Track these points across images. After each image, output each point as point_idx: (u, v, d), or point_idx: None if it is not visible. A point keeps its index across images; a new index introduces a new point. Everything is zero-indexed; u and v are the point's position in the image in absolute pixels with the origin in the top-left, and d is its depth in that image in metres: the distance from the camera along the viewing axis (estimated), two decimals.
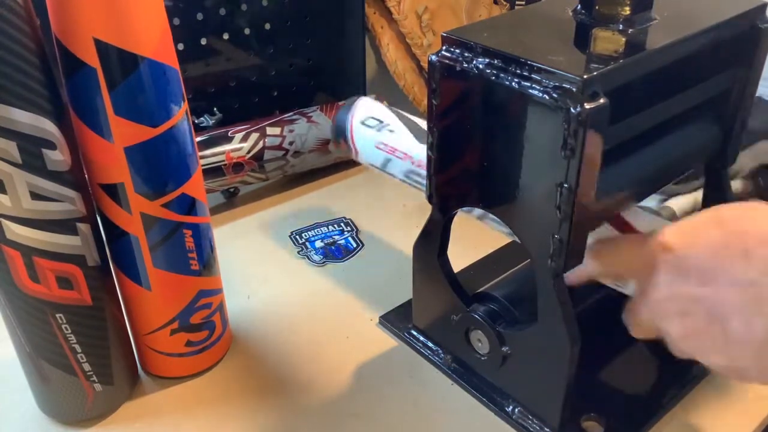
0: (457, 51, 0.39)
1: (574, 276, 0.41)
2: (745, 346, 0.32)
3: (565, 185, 0.35)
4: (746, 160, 0.55)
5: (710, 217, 0.34)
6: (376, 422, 0.46)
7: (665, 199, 0.54)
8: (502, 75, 0.37)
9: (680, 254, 0.34)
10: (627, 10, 0.39)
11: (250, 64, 0.73)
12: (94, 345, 0.43)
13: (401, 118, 0.53)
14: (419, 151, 0.49)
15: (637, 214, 0.43)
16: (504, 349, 0.44)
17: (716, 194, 0.49)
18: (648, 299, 0.36)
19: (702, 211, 0.35)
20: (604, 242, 0.41)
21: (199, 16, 0.67)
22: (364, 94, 0.79)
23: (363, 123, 0.53)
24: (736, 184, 0.54)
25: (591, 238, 0.41)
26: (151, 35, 0.37)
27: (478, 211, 0.45)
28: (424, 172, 0.45)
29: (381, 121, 0.52)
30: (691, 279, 0.34)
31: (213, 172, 0.65)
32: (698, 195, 0.53)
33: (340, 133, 0.55)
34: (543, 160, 0.36)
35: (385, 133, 0.52)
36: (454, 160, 0.42)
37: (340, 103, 0.72)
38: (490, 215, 0.43)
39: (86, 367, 0.43)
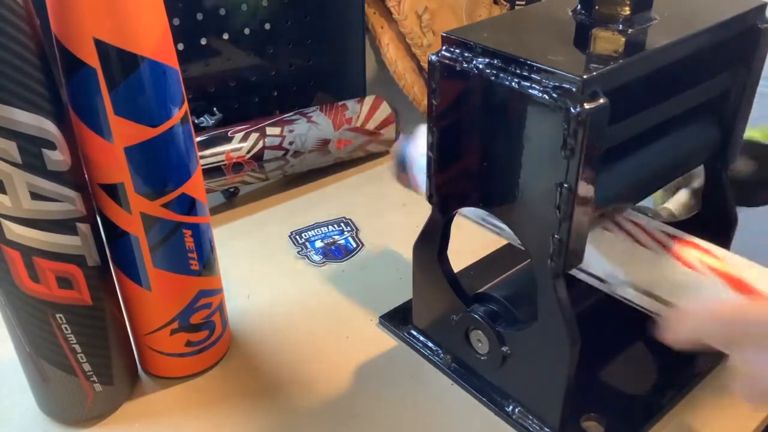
0: (457, 51, 0.39)
1: (679, 339, 0.36)
2: None
3: (565, 185, 0.35)
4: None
5: None
6: (375, 422, 0.46)
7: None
8: (502, 75, 0.37)
9: None
10: (627, 10, 0.39)
11: (250, 64, 0.73)
12: (94, 345, 0.43)
13: None
14: None
15: (753, 270, 0.40)
16: (504, 349, 0.44)
17: (716, 194, 0.49)
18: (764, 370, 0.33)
19: None
20: (729, 307, 0.37)
21: (199, 16, 0.67)
22: (364, 94, 0.79)
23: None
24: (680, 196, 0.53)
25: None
26: (151, 35, 0.37)
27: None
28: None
29: None
30: None
31: (213, 172, 0.65)
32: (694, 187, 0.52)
33: (402, 166, 0.51)
34: (543, 160, 0.36)
35: None
36: (454, 160, 0.42)
37: (340, 104, 0.72)
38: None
39: (86, 367, 0.43)
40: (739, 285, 0.39)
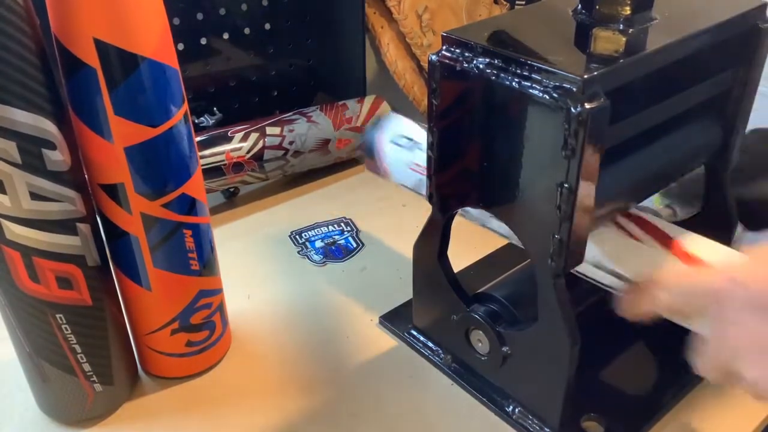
0: (457, 51, 0.39)
1: (631, 310, 0.38)
2: None
3: (566, 185, 0.35)
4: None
5: None
6: (375, 422, 0.46)
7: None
8: (502, 75, 0.37)
9: (756, 290, 0.32)
10: (627, 10, 0.39)
11: (250, 64, 0.73)
12: (94, 345, 0.43)
13: None
14: None
15: (695, 240, 0.41)
16: (504, 349, 0.44)
17: (716, 194, 0.49)
18: (721, 338, 0.34)
19: (763, 245, 0.33)
20: (669, 276, 0.38)
21: (199, 16, 0.67)
22: (364, 94, 0.79)
23: (393, 142, 0.51)
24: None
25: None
26: (151, 35, 0.37)
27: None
28: None
29: (412, 140, 0.50)
30: None
31: (213, 172, 0.65)
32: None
33: (369, 152, 0.52)
34: (543, 160, 0.36)
35: (417, 153, 0.49)
36: (454, 160, 0.42)
37: (340, 104, 0.72)
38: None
39: (86, 367, 0.43)
40: (685, 256, 0.40)
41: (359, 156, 0.54)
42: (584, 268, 0.43)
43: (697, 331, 0.37)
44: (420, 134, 0.50)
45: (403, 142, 0.50)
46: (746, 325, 0.32)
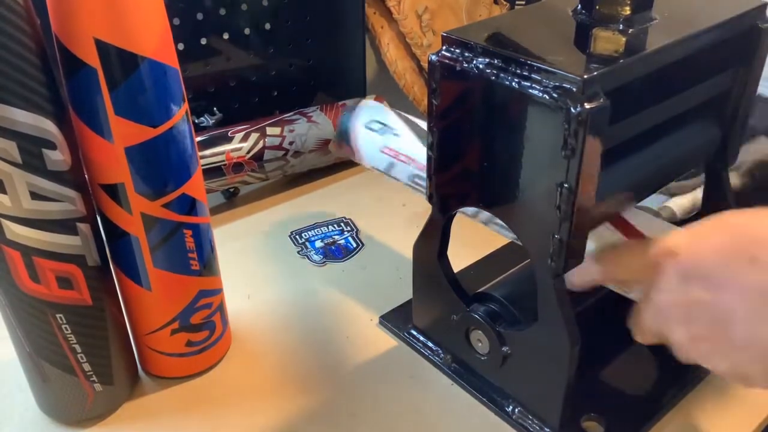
0: (457, 51, 0.39)
1: (578, 280, 0.41)
2: (750, 352, 0.32)
3: (565, 185, 0.35)
4: (744, 156, 0.54)
5: (716, 223, 0.34)
6: (375, 422, 0.46)
7: (666, 199, 0.54)
8: (502, 75, 0.37)
9: (686, 260, 0.34)
10: (627, 10, 0.39)
11: (250, 64, 0.73)
12: (94, 345, 0.43)
13: (406, 121, 0.52)
14: (424, 155, 0.49)
15: (640, 217, 0.43)
16: (504, 349, 0.44)
17: (716, 194, 0.49)
18: (653, 305, 0.36)
19: (708, 217, 0.35)
20: (608, 247, 0.41)
21: (199, 16, 0.67)
22: (364, 95, 0.79)
23: (367, 126, 0.53)
24: (733, 179, 0.54)
25: (595, 243, 0.41)
26: (151, 35, 0.37)
27: (482, 215, 0.45)
28: None
29: (385, 125, 0.52)
30: (697, 285, 0.33)
31: (213, 172, 0.65)
32: (697, 194, 0.53)
33: (343, 136, 0.54)
34: (543, 160, 0.36)
35: (390, 137, 0.51)
36: (454, 160, 0.42)
37: (340, 104, 0.72)
38: (495, 219, 0.43)
39: (86, 367, 0.43)
40: (625, 228, 0.42)
41: (334, 142, 0.56)
42: None
43: (635, 299, 0.39)
44: (393, 120, 0.52)
45: (376, 127, 0.51)
46: (674, 292, 0.35)
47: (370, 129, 0.52)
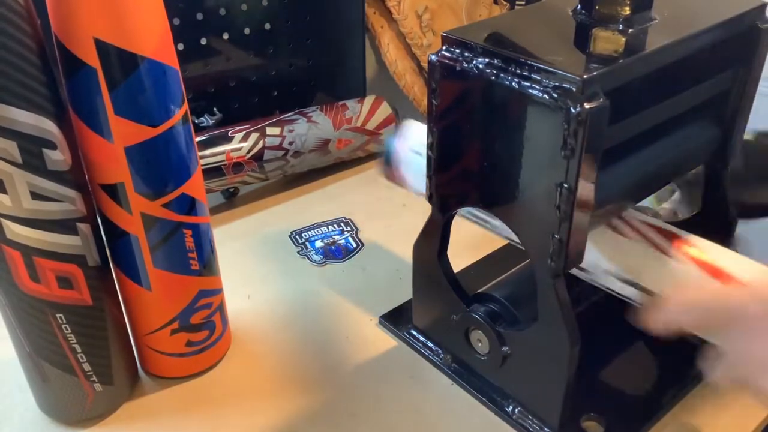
0: (457, 51, 0.39)
1: (659, 325, 0.37)
2: None
3: (565, 185, 0.35)
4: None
5: None
6: (375, 422, 0.46)
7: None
8: (502, 75, 0.37)
9: None
10: (627, 10, 0.39)
11: (250, 64, 0.73)
12: (94, 345, 0.43)
13: None
14: None
15: (718, 251, 0.41)
16: (504, 349, 0.44)
17: (716, 194, 0.49)
18: (742, 352, 0.34)
19: None
20: (696, 293, 0.38)
21: (199, 16, 0.67)
22: (364, 95, 0.79)
23: (414, 151, 0.50)
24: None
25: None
26: (151, 35, 0.37)
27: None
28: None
29: None
30: None
31: (213, 172, 0.65)
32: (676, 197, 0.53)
33: (389, 161, 0.51)
34: (543, 160, 0.36)
35: None
36: (454, 160, 0.42)
37: (340, 104, 0.72)
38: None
39: (86, 367, 0.43)
40: (715, 272, 0.40)
41: (378, 167, 0.53)
42: (602, 279, 0.43)
43: (716, 344, 0.37)
44: None
45: (424, 151, 0.49)
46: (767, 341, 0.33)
47: (418, 153, 0.49)
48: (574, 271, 0.44)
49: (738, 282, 0.39)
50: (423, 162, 0.45)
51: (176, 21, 0.66)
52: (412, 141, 0.50)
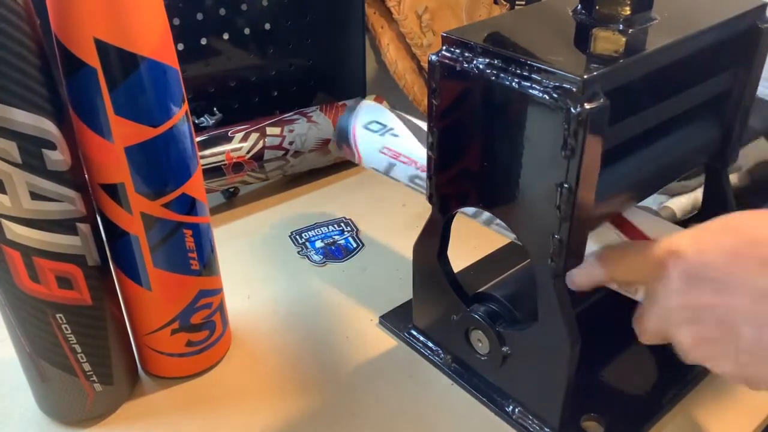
0: (457, 51, 0.39)
1: (580, 280, 0.40)
2: (756, 354, 0.32)
3: (565, 185, 0.35)
4: (743, 157, 0.54)
5: (723, 225, 0.34)
6: (375, 422, 0.46)
7: (666, 199, 0.54)
8: (502, 75, 0.37)
9: (692, 262, 0.34)
10: (627, 10, 0.39)
11: (250, 64, 0.73)
12: (94, 345, 0.43)
13: (405, 122, 0.52)
14: (423, 156, 0.49)
15: (642, 217, 0.43)
16: (504, 349, 0.44)
17: (716, 194, 0.49)
18: (658, 306, 0.36)
19: (713, 219, 0.34)
20: (612, 248, 0.41)
21: (199, 16, 0.67)
22: (364, 95, 0.79)
23: (366, 127, 0.52)
24: (732, 180, 0.54)
25: (599, 244, 0.41)
26: (151, 35, 0.37)
27: (483, 216, 0.45)
28: None
29: (384, 125, 0.52)
30: (703, 287, 0.33)
31: (213, 172, 0.65)
32: (698, 195, 0.53)
33: (343, 137, 0.54)
34: (543, 160, 0.36)
35: (389, 138, 0.51)
36: (454, 160, 0.42)
37: (340, 104, 0.72)
38: (496, 220, 0.43)
39: (86, 367, 0.43)
40: (627, 228, 0.42)
41: (334, 142, 0.56)
42: None
43: (639, 300, 0.39)
44: (392, 120, 0.52)
45: (375, 128, 0.51)
46: (679, 293, 0.34)
47: (369, 129, 0.52)
48: None
49: (645, 237, 0.42)
50: (374, 138, 0.48)
51: (176, 21, 0.66)
52: (365, 118, 0.52)
